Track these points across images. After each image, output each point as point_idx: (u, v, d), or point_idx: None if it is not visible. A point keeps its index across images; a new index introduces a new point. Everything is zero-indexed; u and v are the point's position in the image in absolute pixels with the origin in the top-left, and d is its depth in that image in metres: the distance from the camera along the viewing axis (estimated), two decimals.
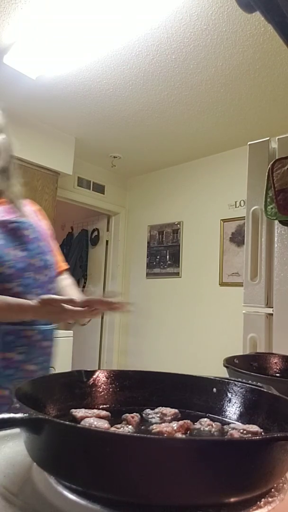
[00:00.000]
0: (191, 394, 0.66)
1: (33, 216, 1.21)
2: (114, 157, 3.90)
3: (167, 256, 4.07)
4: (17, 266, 1.02)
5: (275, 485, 0.45)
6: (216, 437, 0.54)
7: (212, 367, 1.08)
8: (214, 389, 0.65)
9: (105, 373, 0.67)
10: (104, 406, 0.64)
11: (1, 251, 1.00)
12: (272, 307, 1.53)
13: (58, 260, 1.26)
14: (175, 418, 0.60)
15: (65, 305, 0.93)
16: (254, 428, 0.53)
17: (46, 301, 0.92)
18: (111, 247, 4.47)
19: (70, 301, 0.93)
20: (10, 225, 1.06)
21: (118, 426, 0.53)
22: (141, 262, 4.23)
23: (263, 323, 1.57)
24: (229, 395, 0.63)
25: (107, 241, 4.51)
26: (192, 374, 0.70)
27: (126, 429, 0.53)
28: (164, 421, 0.58)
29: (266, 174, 1.45)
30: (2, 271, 0.99)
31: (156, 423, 0.57)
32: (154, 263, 4.16)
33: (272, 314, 1.54)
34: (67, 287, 1.24)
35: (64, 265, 1.32)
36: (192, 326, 3.61)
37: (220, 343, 3.26)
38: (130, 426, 0.54)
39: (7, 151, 1.19)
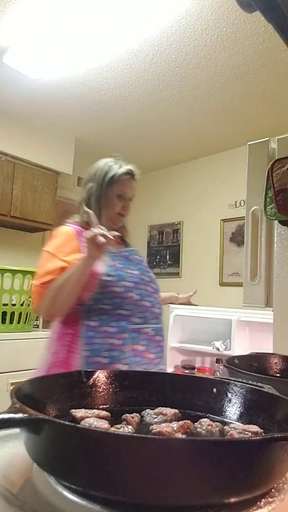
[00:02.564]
0: (191, 394, 0.66)
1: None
2: (114, 157, 3.89)
3: (167, 256, 4.07)
4: (135, 280, 1.37)
5: (275, 485, 0.45)
6: (216, 437, 0.54)
7: None
8: (214, 389, 0.65)
9: (105, 373, 0.67)
10: (104, 406, 0.64)
11: (122, 271, 1.36)
12: (272, 307, 1.53)
13: None
14: (175, 419, 0.59)
15: (100, 238, 1.19)
16: (254, 428, 0.53)
17: (89, 238, 1.19)
18: None
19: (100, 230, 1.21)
20: (123, 253, 1.45)
21: (118, 426, 0.53)
22: None
23: None
24: (229, 395, 0.63)
25: None
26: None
27: (126, 429, 0.53)
28: (164, 421, 0.58)
29: (266, 174, 1.44)
30: (125, 284, 1.33)
31: (156, 423, 0.57)
32: (154, 263, 4.16)
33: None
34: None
35: None
36: None
37: None
38: (130, 427, 0.54)
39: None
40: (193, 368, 2.33)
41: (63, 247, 1.35)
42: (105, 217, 1.41)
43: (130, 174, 1.47)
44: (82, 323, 1.31)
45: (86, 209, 1.37)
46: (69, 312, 1.32)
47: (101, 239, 1.18)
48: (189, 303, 1.90)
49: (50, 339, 1.42)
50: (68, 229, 1.42)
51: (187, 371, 2.27)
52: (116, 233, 1.27)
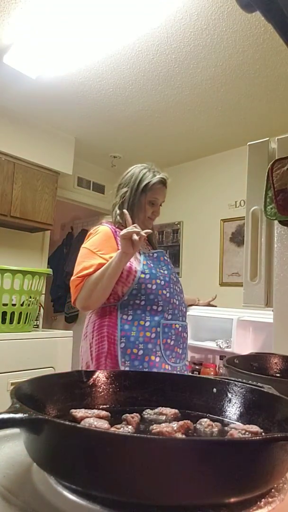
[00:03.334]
0: (191, 394, 0.66)
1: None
2: (114, 157, 3.90)
3: None
4: (165, 279, 1.48)
5: (275, 485, 0.45)
6: (216, 437, 0.53)
7: None
8: (214, 389, 0.65)
9: (105, 373, 0.67)
10: (104, 406, 0.64)
11: (155, 270, 1.47)
12: (272, 307, 1.53)
13: None
14: (175, 418, 0.59)
15: (135, 237, 1.32)
16: (254, 428, 0.53)
17: (124, 235, 1.30)
18: None
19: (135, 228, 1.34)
20: (154, 254, 1.55)
21: (118, 426, 0.53)
22: None
23: None
24: (229, 395, 0.63)
25: None
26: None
27: (126, 429, 0.53)
28: (164, 421, 0.58)
29: (266, 174, 1.44)
30: (158, 282, 1.45)
31: (156, 423, 0.57)
32: None
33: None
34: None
35: None
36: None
37: None
38: (130, 426, 0.54)
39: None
40: (201, 364, 2.44)
41: (102, 245, 1.43)
42: (137, 221, 1.50)
43: (163, 183, 1.57)
44: (117, 316, 1.42)
45: (123, 210, 1.46)
46: (104, 306, 1.44)
47: (135, 236, 1.30)
48: (209, 305, 2.16)
49: (86, 330, 1.51)
50: (105, 228, 1.49)
51: (197, 367, 2.44)
52: (149, 230, 1.39)
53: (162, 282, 1.47)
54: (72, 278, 1.42)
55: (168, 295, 1.47)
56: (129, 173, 1.57)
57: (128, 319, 1.42)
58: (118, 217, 1.53)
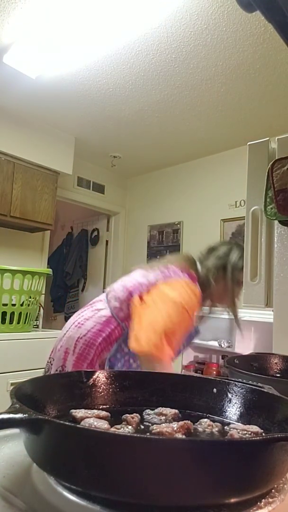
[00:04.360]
0: (191, 394, 0.66)
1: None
2: (114, 157, 3.90)
3: None
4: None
5: (275, 485, 0.45)
6: (216, 437, 0.53)
7: None
8: (215, 390, 0.65)
9: (105, 374, 0.67)
10: (104, 406, 0.64)
11: None
12: (272, 307, 1.53)
13: None
14: (175, 419, 0.59)
15: None
16: (254, 428, 0.53)
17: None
18: (111, 247, 4.47)
19: None
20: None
21: (118, 426, 0.53)
22: (141, 262, 4.23)
23: None
24: (229, 395, 0.63)
25: (107, 241, 4.51)
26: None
27: (126, 429, 0.53)
28: (164, 422, 0.58)
29: (266, 174, 1.44)
30: None
31: (156, 423, 0.57)
32: None
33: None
34: None
35: None
36: None
37: None
38: (130, 427, 0.54)
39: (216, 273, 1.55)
40: (204, 363, 2.46)
41: (194, 312, 1.41)
42: (231, 295, 1.54)
43: None
44: (119, 342, 1.42)
45: None
46: (119, 323, 1.45)
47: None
48: None
49: (83, 321, 1.47)
50: (198, 293, 1.44)
51: (201, 366, 2.49)
52: None
53: None
54: (162, 335, 1.26)
55: None
56: (228, 248, 1.61)
57: (122, 347, 1.42)
58: (206, 283, 1.50)
